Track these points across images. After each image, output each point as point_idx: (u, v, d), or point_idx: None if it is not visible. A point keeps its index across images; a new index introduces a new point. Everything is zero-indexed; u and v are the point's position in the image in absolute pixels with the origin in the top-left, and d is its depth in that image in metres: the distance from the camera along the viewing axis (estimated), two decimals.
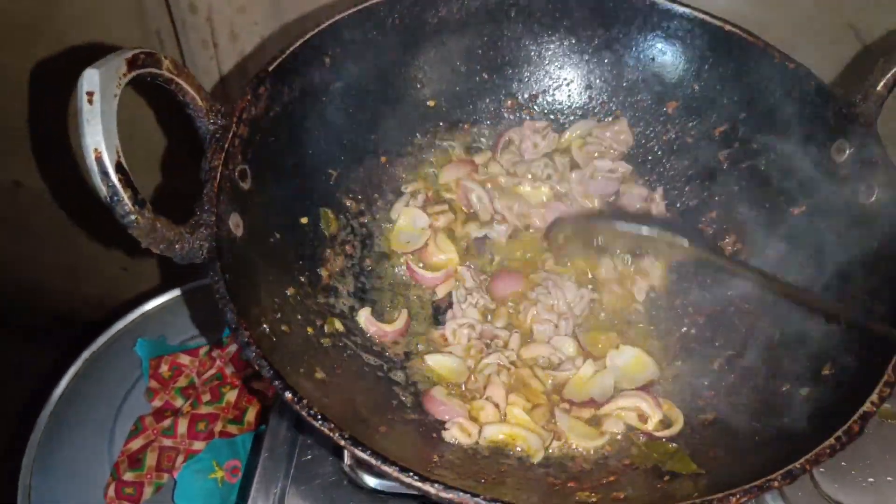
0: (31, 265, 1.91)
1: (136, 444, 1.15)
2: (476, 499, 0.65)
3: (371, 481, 0.97)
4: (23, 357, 1.89)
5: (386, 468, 0.67)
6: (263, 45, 1.40)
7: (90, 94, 0.69)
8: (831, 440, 0.70)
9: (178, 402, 1.20)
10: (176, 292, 1.38)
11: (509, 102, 1.18)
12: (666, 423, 0.91)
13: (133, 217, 0.72)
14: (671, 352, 1.01)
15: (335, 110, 1.04)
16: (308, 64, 0.99)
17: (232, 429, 1.16)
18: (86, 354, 1.30)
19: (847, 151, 0.93)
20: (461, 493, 0.66)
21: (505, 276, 1.06)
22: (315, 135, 1.03)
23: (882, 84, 0.93)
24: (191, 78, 0.85)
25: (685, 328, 1.02)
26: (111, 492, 1.11)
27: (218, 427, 1.16)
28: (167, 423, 1.16)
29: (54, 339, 1.60)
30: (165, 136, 1.46)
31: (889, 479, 0.99)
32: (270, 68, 0.93)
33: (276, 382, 0.71)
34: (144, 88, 0.83)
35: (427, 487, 0.66)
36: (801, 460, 0.69)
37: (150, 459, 1.14)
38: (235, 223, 0.85)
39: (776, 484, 0.67)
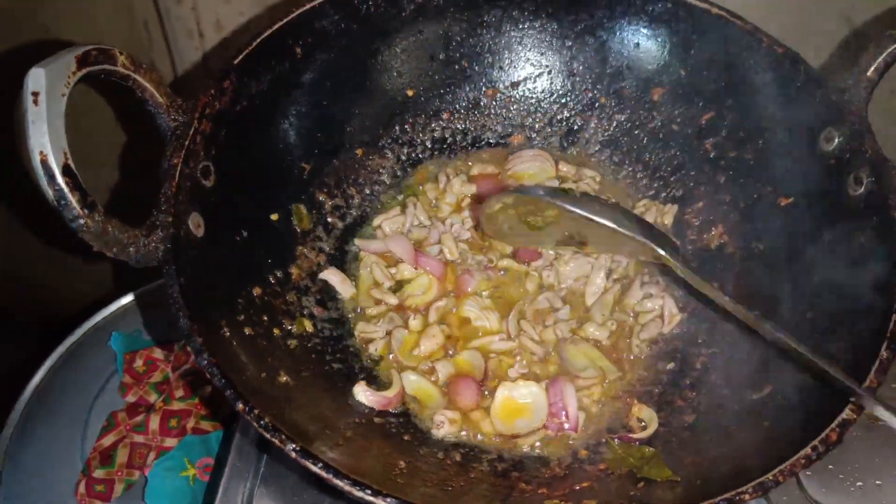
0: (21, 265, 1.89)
1: (107, 440, 1.13)
2: None
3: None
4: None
5: (337, 482, 0.64)
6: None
7: (35, 94, 0.67)
8: (807, 450, 0.67)
9: (152, 398, 1.17)
10: (153, 286, 1.35)
11: (489, 91, 1.14)
12: (641, 423, 0.88)
13: (82, 221, 0.70)
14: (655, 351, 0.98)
15: (307, 102, 1.01)
16: (277, 55, 0.96)
17: (205, 425, 1.14)
18: (61, 349, 1.27)
19: (836, 140, 0.89)
20: None
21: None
22: (286, 128, 1.00)
23: (873, 69, 0.89)
24: (149, 73, 0.82)
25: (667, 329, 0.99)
26: (82, 488, 1.08)
27: (190, 423, 1.13)
28: (139, 419, 1.13)
29: (31, 333, 1.58)
30: (126, 134, 1.43)
31: (878, 482, 0.96)
32: (235, 62, 0.90)
33: (228, 392, 0.69)
34: (105, 85, 0.79)
35: (379, 502, 0.64)
36: (775, 471, 0.66)
37: (122, 456, 1.11)
38: (196, 223, 0.82)
39: (747, 496, 0.64)
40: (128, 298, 1.36)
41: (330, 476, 0.65)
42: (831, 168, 0.89)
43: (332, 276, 1.01)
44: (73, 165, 0.69)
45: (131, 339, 1.26)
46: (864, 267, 0.82)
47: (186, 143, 0.82)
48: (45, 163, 0.67)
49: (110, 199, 1.48)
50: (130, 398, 1.20)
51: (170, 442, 1.13)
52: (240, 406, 0.68)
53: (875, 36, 0.90)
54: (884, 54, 0.88)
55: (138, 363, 1.22)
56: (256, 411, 0.67)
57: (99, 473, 1.10)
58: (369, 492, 0.64)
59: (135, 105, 0.84)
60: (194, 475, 1.10)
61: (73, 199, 0.68)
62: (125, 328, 1.29)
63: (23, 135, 0.67)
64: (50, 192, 0.68)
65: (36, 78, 0.67)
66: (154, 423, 1.13)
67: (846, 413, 0.69)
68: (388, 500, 0.64)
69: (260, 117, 0.95)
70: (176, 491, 1.08)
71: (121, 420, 1.16)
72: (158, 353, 1.23)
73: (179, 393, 1.16)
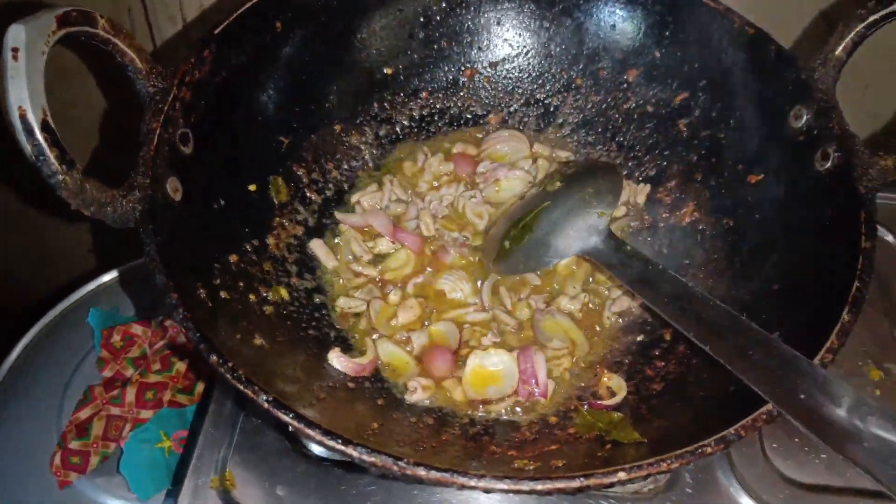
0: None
1: (84, 413, 1.13)
2: (399, 462, 0.64)
3: (316, 449, 0.96)
4: None
5: (309, 431, 0.65)
6: None
7: (15, 50, 0.68)
8: (768, 406, 0.68)
9: (129, 372, 1.18)
10: (132, 264, 1.36)
11: (468, 71, 1.15)
12: (610, 391, 0.90)
13: (60, 177, 0.70)
14: (625, 323, 0.99)
15: (286, 77, 1.02)
16: (258, 28, 0.97)
17: (181, 399, 1.14)
18: (38, 326, 1.28)
19: (804, 117, 0.91)
20: (384, 457, 0.64)
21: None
22: (264, 101, 1.01)
23: (841, 48, 0.91)
24: (129, 39, 0.82)
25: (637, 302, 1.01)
26: (57, 460, 1.08)
27: (167, 396, 1.14)
28: (116, 392, 1.14)
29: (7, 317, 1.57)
30: (107, 100, 1.43)
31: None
32: (216, 31, 0.91)
33: (202, 345, 0.70)
34: (87, 49, 0.80)
35: (351, 451, 0.65)
36: (737, 426, 0.67)
37: (98, 428, 1.11)
38: (174, 187, 0.82)
39: (709, 450, 0.66)
40: (106, 277, 1.36)
41: (302, 426, 0.66)
42: (800, 145, 0.91)
43: (317, 248, 1.03)
44: (51, 122, 0.69)
45: (109, 314, 1.26)
46: (830, 238, 0.84)
47: (165, 108, 0.82)
48: (23, 118, 0.67)
49: (90, 163, 1.48)
50: (107, 373, 1.20)
51: (146, 414, 1.13)
52: (213, 359, 0.69)
53: (844, 16, 0.92)
54: (851, 34, 0.90)
55: (116, 338, 1.22)
56: (230, 364, 0.68)
57: (75, 445, 1.11)
58: (339, 441, 0.65)
59: (116, 70, 0.85)
60: (169, 447, 1.10)
61: (51, 156, 0.69)
62: (103, 306, 1.30)
63: (2, 90, 0.68)
64: (28, 148, 0.68)
65: (16, 34, 0.68)
66: (130, 395, 1.14)
67: None
68: (358, 449, 0.65)
69: (239, 89, 0.96)
70: (151, 462, 1.09)
71: (97, 394, 1.16)
72: (136, 329, 1.23)
73: (156, 366, 1.17)
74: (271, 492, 0.92)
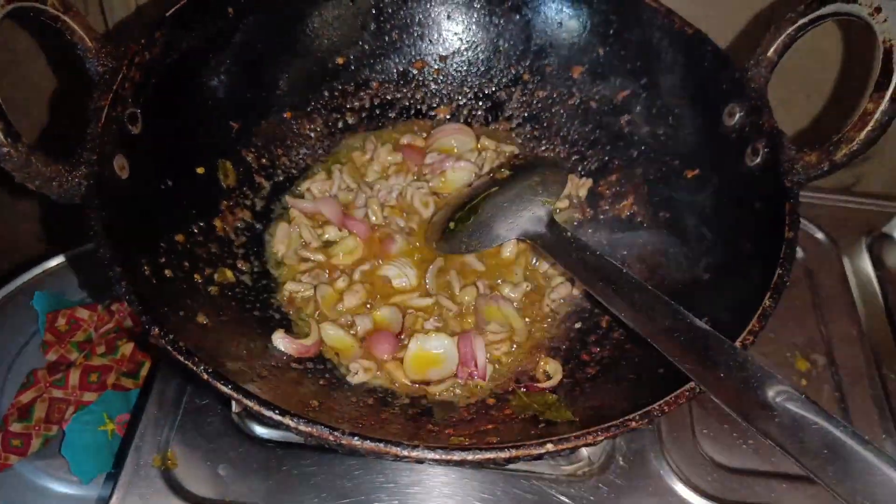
0: None
1: (26, 396, 1.12)
2: (334, 432, 0.66)
3: (259, 430, 0.97)
4: None
5: (247, 401, 0.67)
6: None
7: None
8: (691, 384, 0.72)
9: (74, 356, 1.17)
10: (80, 249, 1.35)
11: (418, 64, 1.18)
12: (547, 375, 0.93)
13: (5, 150, 0.71)
14: (564, 311, 1.02)
15: (237, 62, 1.03)
16: (210, 12, 0.98)
17: (126, 382, 1.14)
18: None
19: (737, 115, 0.95)
20: (319, 427, 0.66)
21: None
22: (215, 85, 1.02)
23: (772, 50, 0.95)
24: (79, 17, 0.83)
25: (577, 291, 1.04)
26: None
27: (111, 379, 1.13)
28: (59, 375, 1.13)
29: None
30: (56, 78, 1.42)
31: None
32: (168, 14, 0.92)
33: (144, 317, 0.71)
34: (35, 28, 0.81)
35: (287, 421, 0.66)
36: (661, 402, 0.70)
37: (40, 411, 1.11)
38: (120, 165, 0.83)
39: (634, 423, 0.69)
40: (53, 262, 1.35)
41: (240, 396, 0.67)
42: (732, 141, 0.95)
43: (269, 232, 1.05)
44: None
45: (54, 298, 1.25)
46: (757, 230, 0.88)
47: (115, 87, 0.83)
48: None
49: (37, 141, 1.47)
50: (52, 356, 1.20)
51: (89, 397, 1.13)
52: (155, 331, 0.70)
53: (777, 18, 0.96)
54: (782, 36, 0.94)
55: (61, 322, 1.21)
56: (171, 336, 0.70)
57: (16, 427, 1.10)
58: (276, 412, 0.66)
59: (66, 49, 0.85)
60: (113, 430, 1.10)
61: None
62: (50, 290, 1.29)
63: None
64: None
65: None
66: (74, 377, 1.13)
67: None
68: (294, 419, 0.66)
69: (189, 72, 0.97)
70: (94, 445, 1.08)
71: (41, 377, 1.16)
72: (82, 313, 1.23)
73: (101, 349, 1.17)
74: (213, 471, 0.93)
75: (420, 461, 0.66)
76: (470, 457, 0.66)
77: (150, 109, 0.88)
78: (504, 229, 0.99)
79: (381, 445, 0.66)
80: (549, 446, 0.67)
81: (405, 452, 0.65)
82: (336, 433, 0.66)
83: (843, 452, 0.61)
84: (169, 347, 0.69)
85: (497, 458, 0.66)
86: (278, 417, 0.66)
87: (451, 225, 1.02)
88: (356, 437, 0.66)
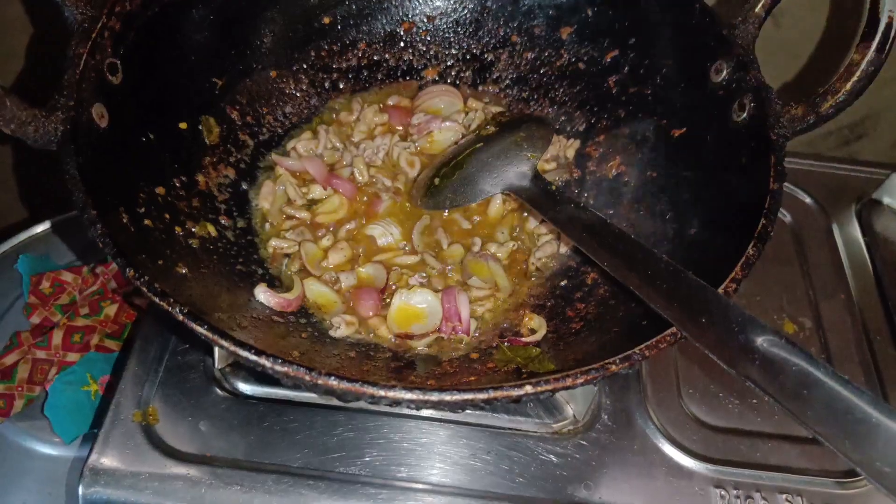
0: None
1: (9, 358, 1.12)
2: (311, 373, 0.65)
3: (242, 387, 0.97)
4: None
5: (222, 342, 0.66)
6: None
7: None
8: (672, 329, 0.71)
9: (58, 319, 1.17)
10: (64, 216, 1.34)
11: (406, 24, 1.17)
12: (531, 331, 0.92)
13: None
14: (550, 269, 1.02)
15: (220, 18, 1.02)
16: None
17: (110, 344, 1.14)
18: None
19: (724, 72, 0.94)
20: (296, 367, 0.65)
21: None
22: (198, 40, 1.01)
23: (760, 6, 0.94)
24: None
25: (564, 249, 1.03)
26: None
27: (94, 340, 1.13)
28: (42, 336, 1.13)
29: None
30: (34, 26, 1.40)
31: (753, 401, 1.01)
32: None
33: (118, 260, 0.70)
34: None
35: (263, 361, 0.65)
36: (641, 346, 0.70)
37: (23, 372, 1.10)
38: (99, 113, 0.82)
39: (614, 367, 0.68)
40: (38, 228, 1.34)
41: (216, 337, 0.66)
42: (719, 98, 0.94)
43: (254, 189, 1.04)
44: None
45: (39, 261, 1.25)
46: (743, 183, 0.88)
47: (94, 35, 0.82)
48: None
49: (13, 87, 1.46)
50: (35, 319, 1.19)
51: (72, 357, 1.12)
52: (130, 272, 0.69)
53: None
54: None
55: (45, 285, 1.21)
56: (147, 278, 0.69)
57: None
58: (252, 351, 0.66)
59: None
60: (96, 391, 1.10)
61: None
62: (34, 253, 1.28)
63: None
64: None
65: None
66: (57, 338, 1.13)
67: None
68: (270, 359, 0.65)
69: (171, 26, 0.96)
70: (76, 404, 1.08)
71: (24, 339, 1.15)
72: (67, 276, 1.22)
73: (85, 310, 1.16)
74: (194, 427, 0.92)
75: (397, 402, 0.65)
76: (447, 397, 0.65)
77: (131, 60, 0.87)
78: (489, 184, 0.99)
79: (357, 385, 0.65)
80: (528, 388, 0.66)
81: (381, 392, 0.65)
82: (312, 373, 0.65)
83: (822, 392, 0.60)
84: (144, 289, 0.68)
85: (475, 399, 0.65)
86: (254, 357, 0.66)
87: (436, 181, 1.02)
88: (332, 378, 0.65)
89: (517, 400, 0.67)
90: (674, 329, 0.71)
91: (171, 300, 0.68)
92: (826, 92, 0.86)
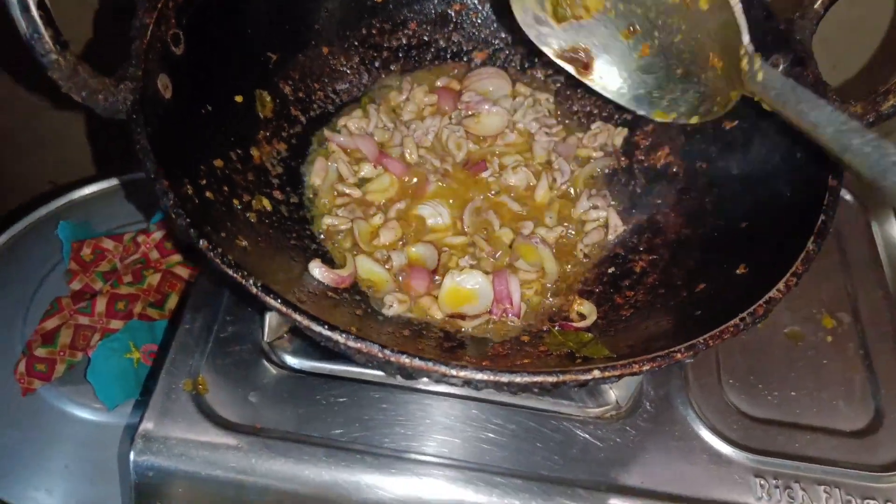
0: None
1: (50, 323, 1.13)
2: (384, 350, 0.66)
3: (290, 360, 0.98)
4: None
5: (296, 316, 0.67)
6: None
7: None
8: (735, 320, 0.72)
9: (98, 286, 1.17)
10: (105, 183, 1.35)
11: (457, 6, 1.17)
12: (581, 316, 0.93)
13: (54, 57, 0.70)
14: (598, 256, 1.03)
15: None
16: None
17: (152, 313, 1.15)
18: (5, 237, 1.26)
19: (781, 66, 0.94)
20: (369, 344, 0.66)
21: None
22: (255, 15, 1.01)
23: (819, 2, 0.95)
24: None
25: (611, 237, 1.04)
26: (21, 367, 1.08)
27: (137, 308, 1.14)
28: (85, 303, 1.13)
29: None
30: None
31: (792, 393, 1.02)
32: None
33: (191, 231, 0.71)
34: None
35: (336, 336, 0.66)
36: (706, 336, 0.71)
37: (65, 337, 1.11)
38: (164, 84, 0.83)
39: (679, 356, 0.69)
40: (78, 193, 1.35)
41: (290, 311, 0.67)
42: None
43: (308, 164, 1.05)
44: (47, 1, 0.69)
45: (80, 228, 1.25)
46: (798, 179, 0.88)
47: (159, 5, 0.83)
48: None
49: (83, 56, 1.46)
50: (76, 285, 1.20)
51: (115, 324, 1.13)
52: (203, 243, 0.70)
53: None
54: None
55: (86, 251, 1.21)
56: (220, 249, 0.69)
57: (40, 352, 1.10)
58: (326, 327, 0.67)
59: None
60: (138, 359, 1.11)
61: (46, 34, 0.68)
62: (74, 220, 1.29)
63: None
64: (23, 24, 0.68)
65: None
66: (100, 305, 1.14)
67: (773, 292, 0.74)
68: (344, 335, 0.66)
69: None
70: (120, 371, 1.09)
71: (65, 305, 1.16)
72: (108, 244, 1.23)
73: (128, 279, 1.17)
74: (244, 398, 0.93)
75: (468, 382, 0.66)
76: (518, 379, 0.66)
77: (193, 33, 0.88)
78: None
79: (430, 364, 0.66)
80: (596, 373, 0.67)
81: (453, 372, 0.66)
82: (386, 351, 0.66)
83: None
84: (217, 261, 0.69)
85: (545, 382, 0.66)
86: (327, 332, 0.67)
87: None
88: (405, 356, 0.66)
89: (584, 384, 0.68)
90: (736, 320, 0.72)
91: (246, 273, 0.68)
92: (887, 91, 0.86)
